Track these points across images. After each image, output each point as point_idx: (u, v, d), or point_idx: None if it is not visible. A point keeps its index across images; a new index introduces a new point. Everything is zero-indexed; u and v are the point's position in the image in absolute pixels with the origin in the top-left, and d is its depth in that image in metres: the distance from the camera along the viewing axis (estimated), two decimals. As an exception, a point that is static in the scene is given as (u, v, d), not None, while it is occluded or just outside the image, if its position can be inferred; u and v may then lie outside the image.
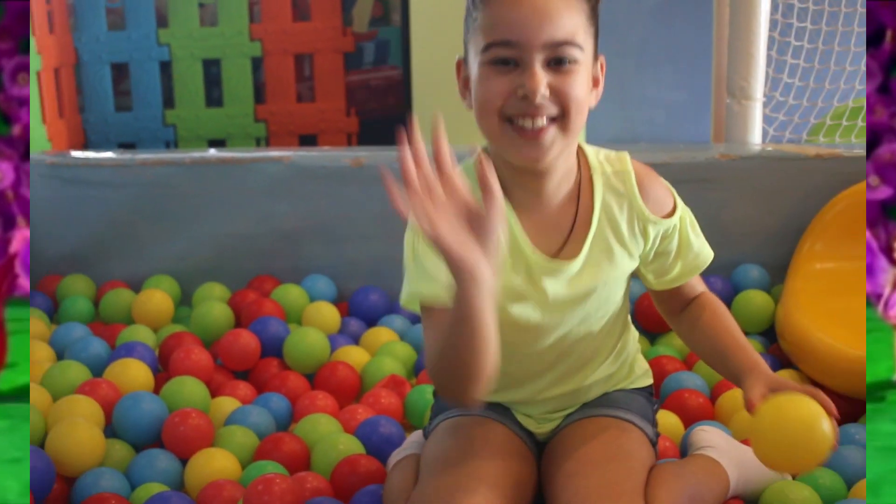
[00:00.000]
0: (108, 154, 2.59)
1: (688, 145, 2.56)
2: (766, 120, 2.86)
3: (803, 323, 2.01)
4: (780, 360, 2.08)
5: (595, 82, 1.39)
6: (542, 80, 1.29)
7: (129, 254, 2.52)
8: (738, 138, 2.71)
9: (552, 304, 1.43)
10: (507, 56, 1.30)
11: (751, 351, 1.45)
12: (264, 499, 1.48)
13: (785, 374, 1.99)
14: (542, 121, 1.31)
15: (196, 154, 2.54)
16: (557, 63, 1.30)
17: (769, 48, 2.78)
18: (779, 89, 2.93)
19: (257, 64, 3.45)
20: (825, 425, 1.30)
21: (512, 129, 1.32)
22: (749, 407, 1.34)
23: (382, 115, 3.49)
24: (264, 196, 2.49)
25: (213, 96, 3.48)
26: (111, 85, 3.44)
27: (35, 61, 3.02)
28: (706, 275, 1.58)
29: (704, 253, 1.51)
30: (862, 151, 2.38)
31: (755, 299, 2.24)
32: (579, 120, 1.33)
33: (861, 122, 3.01)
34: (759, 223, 2.38)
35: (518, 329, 1.45)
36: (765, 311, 2.23)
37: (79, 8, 3.38)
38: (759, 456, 1.33)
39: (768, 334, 2.24)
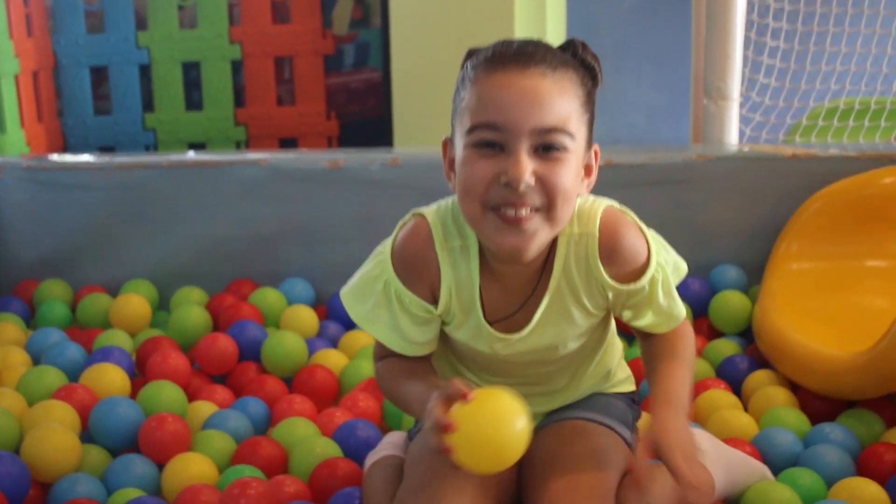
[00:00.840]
0: (85, 157, 2.58)
1: (665, 146, 2.57)
2: (743, 120, 2.87)
3: (780, 323, 2.02)
4: (757, 360, 2.08)
5: (588, 171, 1.33)
6: (528, 167, 1.23)
7: (107, 258, 2.51)
8: (715, 139, 2.72)
9: (505, 357, 1.44)
10: (492, 139, 1.24)
11: (665, 387, 1.38)
12: (241, 503, 1.48)
13: (762, 375, 1.99)
14: (526, 210, 1.25)
15: (174, 157, 2.54)
16: (545, 150, 1.24)
17: (745, 49, 2.79)
18: (755, 90, 2.94)
19: (237, 67, 3.45)
20: (519, 423, 1.24)
21: (495, 216, 1.27)
22: (635, 482, 1.30)
23: (363, 117, 3.49)
24: (242, 199, 2.48)
25: (193, 99, 3.48)
26: (90, 88, 3.44)
27: (13, 65, 3.01)
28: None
29: (675, 312, 1.44)
30: (838, 151, 2.38)
31: (732, 300, 2.25)
32: (566, 210, 1.28)
33: (837, 123, 3.02)
34: (736, 223, 2.39)
35: (474, 362, 1.48)
36: (742, 312, 2.23)
37: (57, 11, 3.37)
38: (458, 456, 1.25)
39: (746, 335, 2.24)
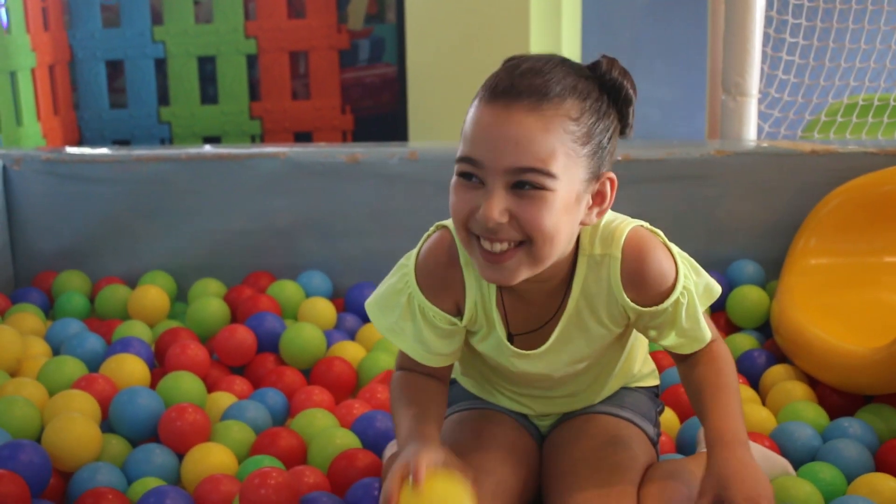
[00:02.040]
0: (104, 150, 2.58)
1: (683, 142, 2.56)
2: (762, 116, 2.86)
3: (798, 318, 2.02)
4: (775, 355, 2.08)
5: (601, 199, 1.29)
6: (498, 207, 1.21)
7: (125, 250, 2.51)
8: (733, 135, 2.71)
9: (524, 372, 1.44)
10: (470, 172, 1.23)
11: (717, 423, 1.34)
12: (260, 492, 1.48)
13: (780, 370, 1.99)
14: (503, 245, 1.24)
15: (192, 150, 2.54)
16: (521, 187, 1.21)
17: (764, 45, 2.78)
18: (774, 86, 2.93)
19: (252, 61, 3.45)
20: None
21: (478, 247, 1.26)
22: None
23: (377, 112, 3.49)
24: (260, 192, 2.49)
25: (208, 93, 3.48)
26: (106, 82, 3.45)
27: (30, 58, 3.02)
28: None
29: (700, 335, 1.40)
30: (857, 148, 2.38)
31: (750, 295, 2.25)
32: (549, 248, 1.24)
33: (856, 119, 3.01)
34: (755, 219, 2.39)
35: (502, 369, 1.47)
36: (760, 307, 2.23)
37: (73, 5, 3.38)
38: None
39: (763, 329, 2.24)
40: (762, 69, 2.76)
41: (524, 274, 1.26)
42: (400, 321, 1.40)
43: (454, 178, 1.26)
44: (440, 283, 1.37)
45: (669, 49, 4.24)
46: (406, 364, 1.45)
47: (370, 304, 1.44)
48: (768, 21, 2.83)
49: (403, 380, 1.43)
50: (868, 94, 3.07)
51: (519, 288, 1.35)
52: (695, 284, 1.38)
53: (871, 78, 3.04)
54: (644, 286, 1.33)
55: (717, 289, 1.43)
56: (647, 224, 1.38)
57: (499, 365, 1.46)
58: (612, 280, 1.34)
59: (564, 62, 1.26)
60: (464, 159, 1.24)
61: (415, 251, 1.40)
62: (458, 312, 1.39)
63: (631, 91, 1.27)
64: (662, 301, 1.34)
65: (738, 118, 2.70)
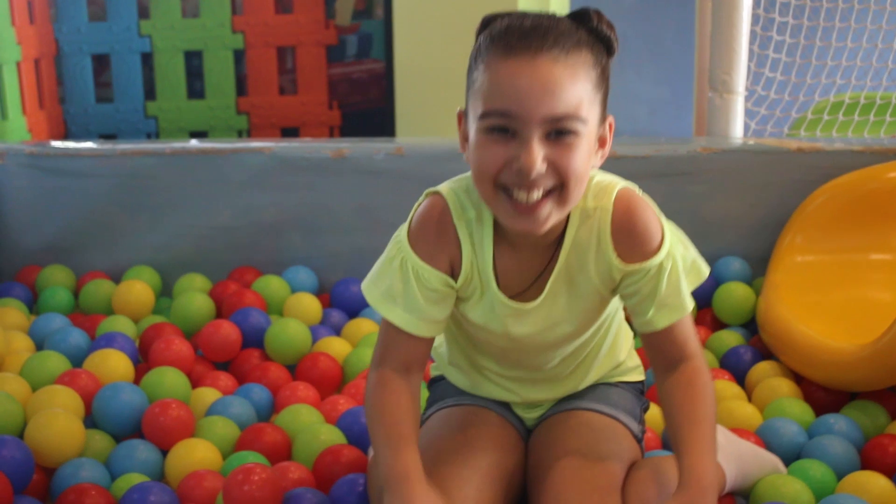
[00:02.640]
0: (88, 144, 2.57)
1: (670, 139, 2.56)
2: (748, 114, 2.86)
3: (784, 315, 2.02)
4: (761, 352, 2.08)
5: (602, 143, 1.33)
6: (539, 155, 1.23)
7: (110, 244, 2.50)
8: (719, 132, 2.71)
9: (515, 336, 1.43)
10: (503, 126, 1.25)
11: (693, 464, 1.32)
12: (244, 489, 1.47)
13: (766, 366, 1.99)
14: (538, 193, 1.26)
15: (177, 144, 2.53)
16: (557, 135, 1.24)
17: (751, 42, 2.78)
18: (760, 83, 2.93)
19: (239, 56, 3.44)
20: None
21: (507, 199, 1.27)
22: None
23: (365, 108, 3.48)
24: (245, 187, 2.48)
25: (195, 88, 3.47)
26: (92, 76, 3.43)
27: (15, 52, 3.00)
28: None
29: (681, 304, 1.39)
30: (843, 146, 2.38)
31: (736, 292, 2.25)
32: (578, 191, 1.29)
33: (842, 117, 3.01)
34: (741, 216, 2.39)
35: (489, 346, 1.47)
36: (746, 304, 2.23)
37: (59, -1, 3.36)
38: None
39: (749, 326, 2.24)
40: (749, 67, 2.76)
41: (553, 219, 1.29)
42: (392, 289, 1.38)
43: (479, 136, 1.27)
44: (434, 243, 1.37)
45: (657, 47, 4.24)
46: (385, 356, 1.42)
47: (365, 282, 1.44)
48: (755, 19, 2.83)
49: (378, 389, 1.41)
50: (854, 93, 3.07)
51: (514, 244, 1.37)
52: (682, 257, 1.39)
53: (858, 76, 3.05)
54: (631, 241, 1.36)
55: (706, 269, 1.43)
56: (637, 188, 1.40)
57: (488, 339, 1.45)
58: (601, 232, 1.36)
59: (558, 16, 1.29)
60: (494, 113, 1.25)
61: (408, 220, 1.40)
62: (453, 273, 1.39)
63: (615, 45, 1.31)
64: (646, 260, 1.35)
65: (725, 116, 2.70)
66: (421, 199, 1.42)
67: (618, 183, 1.38)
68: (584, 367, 1.51)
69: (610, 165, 2.29)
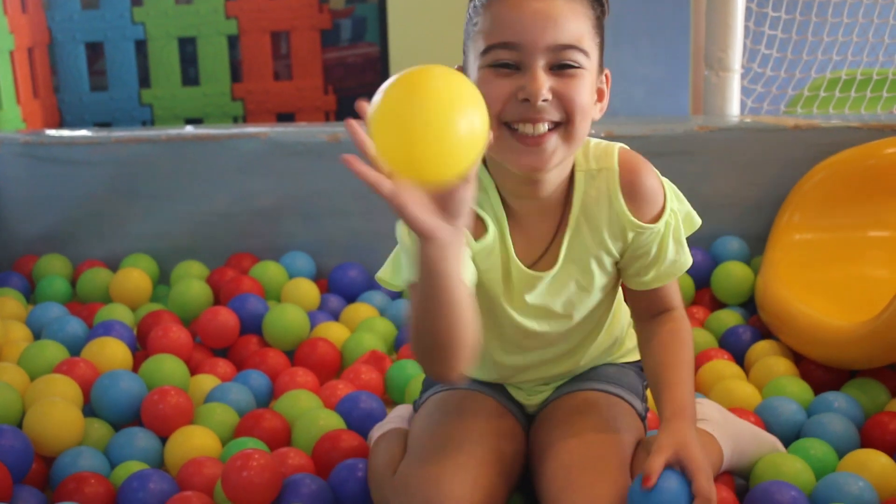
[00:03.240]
0: (83, 132, 2.56)
1: (667, 118, 2.55)
2: (745, 91, 2.85)
3: (783, 294, 2.02)
4: (760, 331, 2.08)
5: (600, 95, 1.33)
6: (545, 82, 1.24)
7: (106, 233, 2.50)
8: (716, 110, 2.71)
9: (530, 307, 1.43)
10: (507, 59, 1.25)
11: (679, 396, 1.36)
12: (243, 474, 1.47)
13: (765, 345, 1.99)
14: (544, 126, 1.26)
15: (172, 131, 2.52)
16: (561, 67, 1.25)
17: (747, 19, 2.77)
18: (756, 61, 2.92)
19: (233, 42, 3.43)
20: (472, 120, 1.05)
21: (512, 136, 1.27)
22: (645, 480, 1.25)
23: (360, 92, 3.47)
24: (242, 173, 2.47)
25: (190, 75, 3.46)
26: (86, 64, 3.42)
27: (8, 41, 2.99)
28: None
29: (682, 260, 1.43)
30: (840, 122, 2.38)
31: (735, 271, 2.24)
32: (583, 127, 1.28)
33: (839, 94, 3.01)
34: (738, 195, 2.38)
35: (498, 322, 1.46)
36: (744, 283, 2.23)
37: (51, -13, 3.35)
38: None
39: (748, 306, 2.24)
40: (745, 44, 2.75)
41: (559, 156, 1.29)
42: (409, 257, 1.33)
43: (482, 72, 1.27)
44: None
45: (653, 26, 4.22)
46: None
47: (380, 272, 1.42)
48: (751, -5, 2.82)
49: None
50: (851, 69, 3.06)
51: (520, 213, 1.36)
52: (677, 209, 1.41)
53: (854, 52, 3.03)
54: (641, 200, 1.37)
55: (698, 220, 1.47)
56: (627, 147, 1.41)
57: (496, 323, 1.44)
58: (611, 193, 1.36)
59: None
60: (498, 46, 1.25)
61: None
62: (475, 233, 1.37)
63: (607, 4, 1.32)
64: (657, 220, 1.38)
65: (721, 94, 2.69)
66: None
67: (616, 144, 1.39)
68: (584, 344, 1.51)
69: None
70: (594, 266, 1.41)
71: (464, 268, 1.23)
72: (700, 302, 2.28)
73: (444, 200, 1.15)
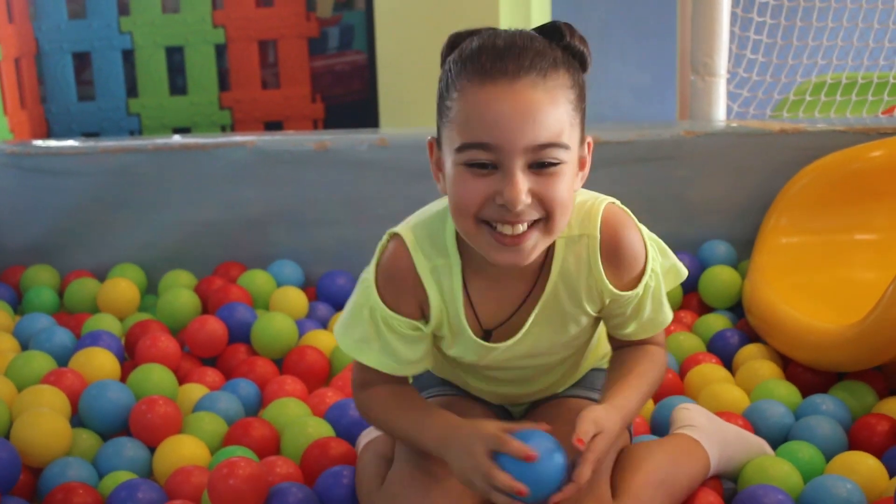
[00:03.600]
0: (70, 142, 2.56)
1: (653, 123, 2.56)
2: (731, 96, 2.86)
3: (770, 297, 2.02)
4: (748, 335, 2.08)
5: (581, 164, 1.28)
6: (523, 188, 1.18)
7: (94, 243, 2.49)
8: (702, 115, 2.71)
9: (498, 373, 1.43)
10: (484, 160, 1.19)
11: (627, 393, 1.34)
12: (229, 482, 1.46)
13: (752, 349, 2.00)
14: (523, 226, 1.21)
15: (159, 141, 2.52)
16: (540, 167, 1.19)
17: (732, 24, 2.78)
18: (742, 65, 2.93)
19: (221, 51, 3.42)
20: None
21: (490, 233, 1.22)
22: (575, 440, 1.25)
23: (348, 100, 3.47)
24: (229, 182, 2.47)
25: (177, 84, 3.45)
26: (73, 74, 3.41)
27: (-6, 51, 2.99)
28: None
29: (661, 319, 1.40)
30: (826, 126, 2.38)
31: (722, 275, 2.25)
32: (564, 219, 1.24)
33: (824, 98, 3.02)
34: (725, 199, 2.39)
35: (473, 370, 1.47)
36: (732, 287, 2.23)
37: (38, -3, 3.34)
38: None
39: (736, 309, 2.24)
40: (731, 49, 2.76)
41: (539, 249, 1.25)
42: (365, 335, 1.37)
43: (457, 170, 1.21)
44: (401, 290, 1.35)
45: (640, 32, 4.24)
46: (368, 379, 1.42)
47: (336, 327, 1.43)
48: (736, 0, 2.83)
49: (375, 397, 1.41)
50: (836, 73, 3.07)
51: (491, 278, 1.33)
52: (661, 266, 1.38)
53: (839, 57, 3.05)
54: (620, 267, 1.33)
55: (684, 271, 1.43)
56: (617, 202, 1.37)
57: (472, 365, 1.45)
58: (591, 260, 1.32)
59: (531, 33, 1.24)
60: (474, 145, 1.19)
61: (373, 263, 1.37)
62: (424, 317, 1.37)
63: (589, 60, 1.26)
64: (635, 285, 1.34)
65: (708, 98, 2.70)
66: (384, 240, 1.37)
67: (600, 203, 1.34)
68: (569, 374, 1.51)
69: (595, 151, 2.29)
70: (567, 324, 1.39)
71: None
72: (688, 306, 2.28)
73: None
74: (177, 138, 2.57)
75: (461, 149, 1.20)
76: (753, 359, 1.96)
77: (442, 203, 1.35)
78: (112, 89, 3.43)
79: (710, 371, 1.91)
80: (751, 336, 2.08)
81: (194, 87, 3.43)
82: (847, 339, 1.76)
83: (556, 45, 1.23)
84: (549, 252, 1.33)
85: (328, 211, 2.46)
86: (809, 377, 1.92)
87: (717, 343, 2.07)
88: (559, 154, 1.20)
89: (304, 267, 2.46)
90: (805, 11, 2.96)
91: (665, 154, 2.39)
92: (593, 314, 1.39)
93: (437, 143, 1.29)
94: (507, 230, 1.21)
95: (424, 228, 1.35)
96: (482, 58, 1.19)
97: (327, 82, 3.46)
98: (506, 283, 1.35)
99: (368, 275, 1.37)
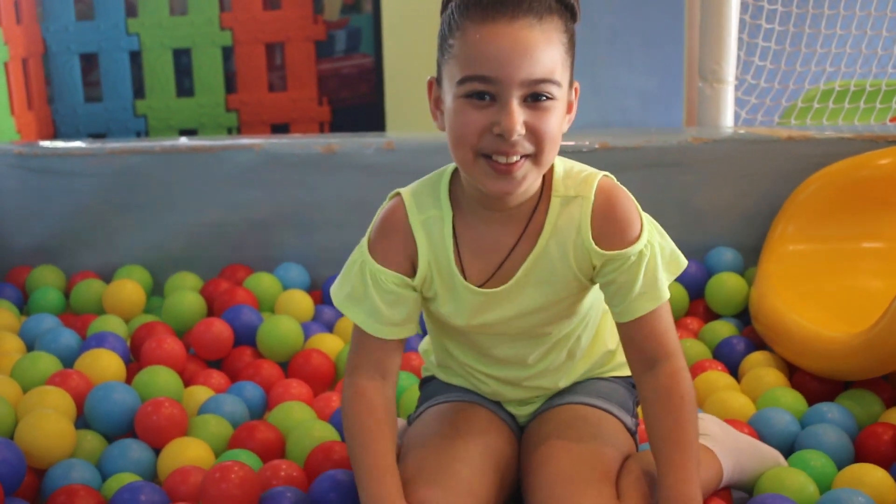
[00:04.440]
0: (77, 143, 2.56)
1: (661, 129, 2.56)
2: (738, 103, 2.86)
3: (777, 305, 2.02)
4: (754, 342, 2.08)
5: (569, 108, 1.36)
6: (519, 118, 1.26)
7: (100, 244, 2.50)
8: (710, 122, 2.71)
9: (494, 331, 1.44)
10: (483, 91, 1.27)
11: (677, 485, 1.32)
12: (221, 486, 1.46)
13: (759, 356, 1.99)
14: (516, 157, 1.28)
15: (166, 142, 2.52)
16: (534, 100, 1.27)
17: (740, 31, 2.78)
18: (750, 72, 2.93)
19: (228, 53, 3.43)
20: None
21: (486, 162, 1.29)
22: None
23: (355, 103, 3.47)
24: (236, 184, 2.47)
25: (184, 86, 3.46)
26: (80, 75, 3.41)
27: (2, 52, 2.99)
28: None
29: (656, 293, 1.38)
30: (833, 133, 2.38)
31: (729, 282, 2.24)
32: (552, 154, 1.32)
33: (832, 105, 3.01)
34: (733, 206, 2.39)
35: (471, 345, 1.48)
36: (739, 294, 2.23)
37: (46, -2, 3.34)
38: None
39: (742, 317, 2.24)
40: (738, 56, 2.76)
41: (530, 180, 1.32)
42: (353, 292, 1.42)
43: (457, 102, 1.29)
44: (390, 245, 1.41)
45: (647, 37, 4.23)
46: (357, 363, 1.44)
47: (333, 284, 1.48)
48: (744, 7, 2.83)
49: (354, 401, 1.42)
50: (844, 80, 3.07)
51: (480, 226, 1.39)
52: (660, 246, 1.39)
53: (847, 64, 3.04)
54: (610, 229, 1.37)
55: (684, 260, 1.43)
56: (613, 177, 1.42)
57: (468, 338, 1.46)
58: (581, 221, 1.37)
59: None
60: (473, 78, 1.27)
61: (371, 223, 1.44)
62: (413, 272, 1.41)
63: (579, 12, 1.34)
64: (625, 247, 1.36)
65: (715, 105, 2.70)
66: (385, 201, 1.45)
67: (598, 173, 1.40)
68: (568, 362, 1.51)
69: (601, 156, 2.30)
70: (560, 286, 1.41)
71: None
72: (694, 313, 2.28)
73: None
74: (184, 140, 2.57)
75: (462, 81, 1.28)
76: (759, 366, 1.96)
77: (443, 166, 1.44)
78: (119, 90, 3.43)
79: (716, 378, 1.91)
80: (757, 343, 2.08)
81: (201, 88, 3.44)
82: (854, 348, 1.76)
83: None
84: (540, 207, 1.39)
85: (335, 214, 2.46)
86: (816, 385, 1.92)
87: (723, 350, 2.06)
88: (552, 90, 1.28)
89: (310, 270, 2.46)
90: (813, 18, 2.95)
91: (673, 160, 2.38)
92: (583, 279, 1.41)
93: (437, 81, 1.36)
94: (503, 158, 1.28)
95: (423, 185, 1.44)
96: (483, 0, 1.28)
97: (334, 85, 3.46)
98: (495, 233, 1.40)
99: (366, 234, 1.44)
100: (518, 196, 1.35)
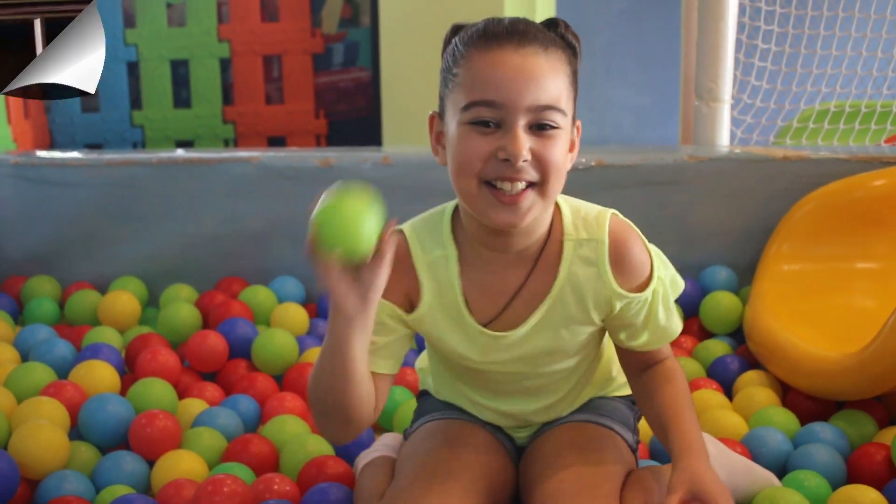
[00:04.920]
0: (74, 154, 2.56)
1: (656, 147, 2.56)
2: (734, 122, 2.87)
3: (771, 324, 2.02)
4: (748, 361, 2.08)
5: (571, 146, 1.34)
6: (525, 143, 1.25)
7: (96, 255, 2.49)
8: (706, 140, 2.72)
9: (502, 367, 1.44)
10: (488, 117, 1.26)
11: (684, 433, 1.36)
12: (214, 500, 1.46)
13: (753, 375, 2.00)
14: (522, 185, 1.27)
15: (163, 154, 2.53)
16: (540, 128, 1.27)
17: (737, 51, 2.79)
18: (746, 92, 2.94)
19: (225, 65, 3.43)
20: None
21: (490, 192, 1.28)
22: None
23: (351, 116, 3.48)
24: (232, 197, 2.47)
25: (181, 97, 3.46)
26: (77, 85, 3.41)
27: None
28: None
29: (672, 327, 1.43)
30: (829, 154, 2.39)
31: (723, 301, 2.25)
32: (558, 185, 1.30)
33: (827, 125, 3.02)
34: (727, 225, 2.39)
35: (476, 378, 1.48)
36: (733, 313, 2.24)
37: (45, 7, 3.35)
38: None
39: (736, 335, 2.24)
40: (735, 75, 2.77)
41: (535, 212, 1.30)
42: None
43: (462, 129, 1.28)
44: (391, 279, 1.35)
45: (643, 55, 4.25)
46: None
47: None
48: (741, 27, 2.84)
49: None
50: (840, 101, 3.08)
51: (485, 267, 1.38)
52: (664, 276, 1.42)
53: (843, 84, 3.06)
54: (628, 271, 1.37)
55: (681, 283, 1.46)
56: (619, 213, 1.42)
57: (475, 372, 1.45)
58: (599, 264, 1.36)
59: (534, 22, 1.32)
60: (479, 103, 1.26)
61: None
62: (410, 308, 1.41)
63: (579, 52, 1.34)
64: (643, 289, 1.38)
65: (711, 124, 2.71)
66: None
67: (606, 213, 1.40)
68: (574, 392, 1.51)
69: (597, 173, 2.31)
70: (572, 331, 1.41)
71: (366, 352, 1.32)
72: (688, 331, 2.28)
73: (356, 280, 1.26)
74: (181, 152, 2.58)
75: (467, 107, 1.27)
76: (753, 385, 1.96)
77: (441, 205, 1.43)
78: (116, 101, 3.44)
79: (709, 397, 1.91)
80: (751, 362, 2.08)
81: (198, 100, 3.44)
82: (847, 368, 1.76)
83: (554, 33, 1.32)
84: (549, 248, 1.38)
85: (331, 228, 2.46)
86: (809, 405, 1.92)
87: (717, 368, 2.07)
88: (557, 118, 1.27)
89: (305, 283, 2.46)
90: (809, 39, 2.97)
91: (668, 178, 2.39)
92: (598, 322, 1.41)
93: (439, 115, 1.35)
94: (507, 187, 1.27)
95: (424, 223, 1.42)
96: (489, 31, 1.29)
97: (331, 98, 3.47)
98: (501, 272, 1.38)
99: None
100: (522, 234, 1.34)
